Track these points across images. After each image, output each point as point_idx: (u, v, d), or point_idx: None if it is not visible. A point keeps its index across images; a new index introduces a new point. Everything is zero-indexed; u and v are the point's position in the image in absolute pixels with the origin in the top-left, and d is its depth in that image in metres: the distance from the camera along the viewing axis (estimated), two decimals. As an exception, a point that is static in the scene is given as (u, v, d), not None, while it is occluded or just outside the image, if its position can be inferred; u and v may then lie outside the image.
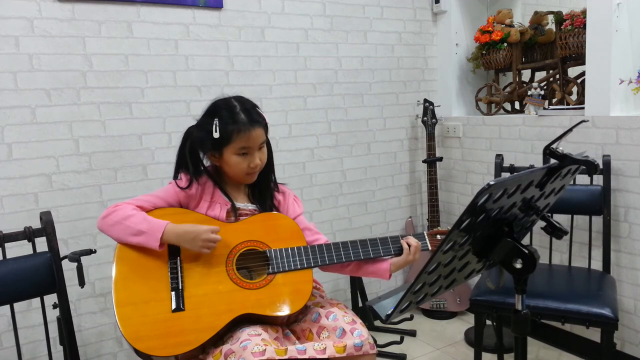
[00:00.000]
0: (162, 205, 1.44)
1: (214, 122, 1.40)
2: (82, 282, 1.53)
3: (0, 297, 1.43)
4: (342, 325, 1.35)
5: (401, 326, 2.60)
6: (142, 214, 1.38)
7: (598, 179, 2.08)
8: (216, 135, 1.39)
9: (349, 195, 2.70)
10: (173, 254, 1.38)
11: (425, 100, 2.74)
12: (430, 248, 1.50)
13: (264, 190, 1.55)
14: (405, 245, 1.46)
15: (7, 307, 1.48)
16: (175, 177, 1.50)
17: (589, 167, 1.04)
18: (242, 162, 1.44)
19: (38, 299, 1.53)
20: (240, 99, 1.47)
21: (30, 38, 1.87)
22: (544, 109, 2.40)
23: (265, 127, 1.47)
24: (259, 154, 1.46)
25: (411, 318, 2.71)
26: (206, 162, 1.53)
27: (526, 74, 2.73)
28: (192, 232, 1.34)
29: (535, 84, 2.45)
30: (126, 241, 1.36)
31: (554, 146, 1.05)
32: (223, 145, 1.42)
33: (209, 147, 1.44)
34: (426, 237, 1.51)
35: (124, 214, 1.36)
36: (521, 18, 2.92)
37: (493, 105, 2.71)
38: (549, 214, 1.33)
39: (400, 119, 2.85)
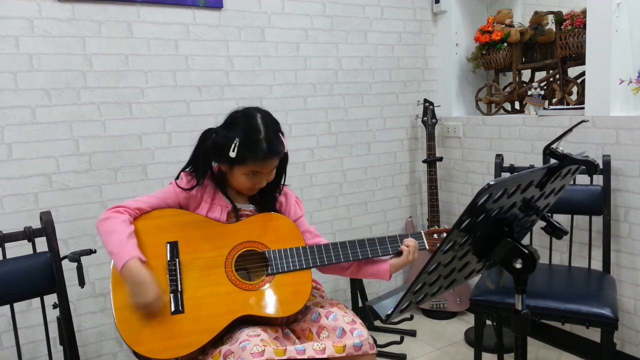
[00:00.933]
0: (160, 207, 1.44)
1: (235, 142, 1.36)
2: (82, 282, 1.53)
3: (0, 297, 1.43)
4: (342, 325, 1.35)
5: (401, 326, 2.59)
6: (125, 232, 1.33)
7: (598, 179, 2.08)
8: (232, 154, 1.37)
9: (349, 195, 2.70)
10: (172, 255, 1.38)
11: (425, 100, 2.74)
12: (427, 247, 1.50)
13: (268, 194, 1.55)
14: (403, 247, 1.46)
15: (7, 307, 1.48)
16: (177, 178, 1.49)
17: (589, 167, 1.04)
18: (249, 182, 1.44)
19: (38, 299, 1.52)
20: (266, 122, 1.41)
21: (30, 38, 1.87)
22: (544, 109, 2.40)
23: (283, 155, 1.46)
24: (267, 176, 1.46)
25: (411, 318, 2.71)
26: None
27: (526, 74, 2.73)
28: (142, 287, 1.26)
29: (535, 84, 2.45)
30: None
31: (554, 146, 1.05)
32: (235, 164, 1.40)
33: (221, 160, 1.43)
34: (423, 236, 1.52)
35: (111, 228, 1.33)
36: (521, 18, 2.92)
37: (493, 105, 2.71)
38: (549, 214, 1.33)
39: (400, 119, 2.85)
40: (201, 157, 1.45)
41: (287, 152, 1.51)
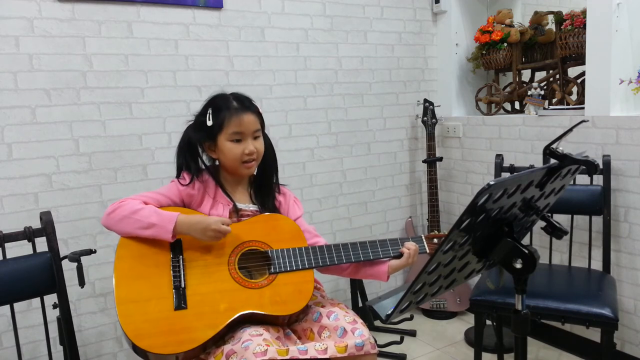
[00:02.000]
0: (166, 203, 1.45)
1: (208, 112, 1.45)
2: (82, 282, 1.53)
3: (0, 297, 1.43)
4: (343, 325, 1.35)
5: (401, 326, 2.60)
6: (150, 206, 1.38)
7: (598, 179, 2.08)
8: (209, 123, 1.44)
9: (349, 195, 2.70)
10: (175, 252, 1.38)
11: (425, 100, 2.74)
12: (427, 251, 1.50)
13: (266, 191, 1.56)
14: (404, 249, 1.47)
15: (7, 307, 1.48)
16: (178, 176, 1.50)
17: (589, 167, 1.04)
18: (236, 148, 1.45)
19: (38, 299, 1.52)
20: (234, 92, 1.52)
21: (30, 38, 1.87)
22: (544, 109, 2.40)
23: (258, 115, 1.50)
24: (254, 142, 1.48)
25: (411, 318, 2.71)
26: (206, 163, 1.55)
27: (526, 74, 2.73)
28: (202, 222, 1.34)
29: (535, 84, 2.45)
30: (135, 235, 1.36)
31: (554, 146, 1.05)
32: (217, 133, 1.45)
33: (204, 137, 1.47)
34: (424, 240, 1.52)
35: (132, 208, 1.36)
36: (521, 18, 2.92)
37: (493, 105, 2.71)
38: (549, 214, 1.33)
39: (400, 119, 2.85)
40: (188, 150, 1.50)
41: (270, 139, 1.57)
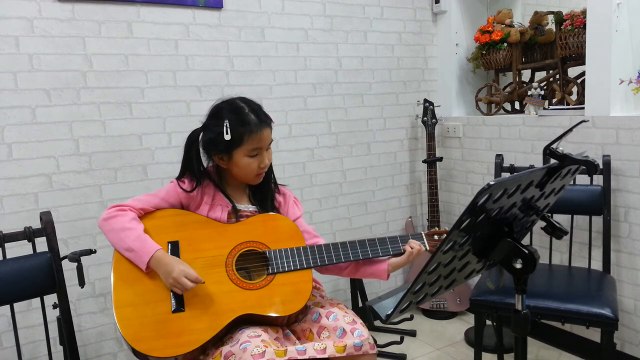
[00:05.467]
0: (163, 207, 1.45)
1: (225, 124, 1.39)
2: (82, 282, 1.53)
3: (0, 297, 1.43)
4: (343, 325, 1.35)
5: (401, 326, 2.59)
6: (139, 229, 1.36)
7: (598, 179, 2.08)
8: (227, 137, 1.39)
9: (349, 195, 2.70)
10: (173, 254, 1.38)
11: (425, 100, 2.74)
12: (428, 248, 1.50)
13: (265, 192, 1.56)
14: (407, 247, 1.46)
15: (7, 307, 1.48)
16: (179, 178, 1.49)
17: (589, 167, 1.04)
18: (253, 163, 1.44)
19: (38, 299, 1.52)
20: (245, 100, 1.48)
21: (30, 38, 1.87)
22: (544, 109, 2.40)
23: (271, 127, 1.49)
24: (267, 154, 1.48)
25: (411, 318, 2.71)
26: (206, 164, 1.53)
27: (526, 74, 2.73)
28: (169, 267, 1.30)
29: (535, 84, 2.45)
30: (118, 250, 1.37)
31: (554, 146, 1.05)
32: (234, 147, 1.42)
33: (219, 149, 1.43)
34: (424, 237, 1.52)
35: (122, 225, 1.36)
36: (521, 18, 2.92)
37: (493, 105, 2.71)
38: (549, 214, 1.33)
39: (400, 119, 2.85)
40: (194, 158, 1.47)
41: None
